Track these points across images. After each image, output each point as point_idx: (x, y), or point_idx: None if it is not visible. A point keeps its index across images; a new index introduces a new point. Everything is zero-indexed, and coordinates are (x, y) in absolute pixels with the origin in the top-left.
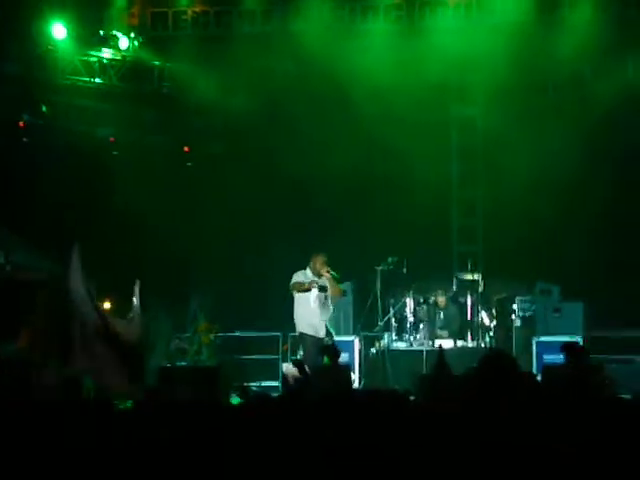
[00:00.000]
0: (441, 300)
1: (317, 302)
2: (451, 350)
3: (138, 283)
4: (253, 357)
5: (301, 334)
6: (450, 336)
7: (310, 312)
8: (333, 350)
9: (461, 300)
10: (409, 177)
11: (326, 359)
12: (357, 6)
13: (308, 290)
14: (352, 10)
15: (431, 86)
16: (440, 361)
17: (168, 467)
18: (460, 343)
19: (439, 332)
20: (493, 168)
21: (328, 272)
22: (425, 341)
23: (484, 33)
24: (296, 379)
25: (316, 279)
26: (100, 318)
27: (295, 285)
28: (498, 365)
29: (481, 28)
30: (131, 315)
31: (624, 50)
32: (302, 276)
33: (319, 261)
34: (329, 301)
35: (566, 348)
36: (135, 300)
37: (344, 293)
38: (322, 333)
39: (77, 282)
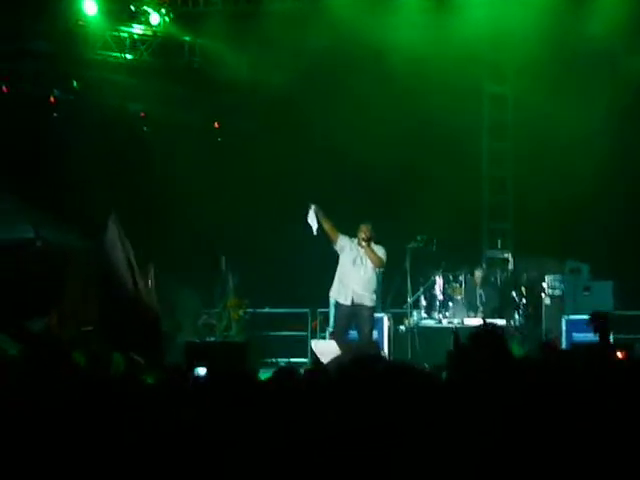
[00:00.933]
0: (478, 276)
1: (348, 265)
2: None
3: (152, 266)
4: (282, 333)
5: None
6: (484, 314)
7: (340, 274)
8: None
9: (491, 278)
10: (440, 152)
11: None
12: None
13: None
14: None
15: (462, 61)
16: (455, 342)
17: (195, 444)
18: (490, 321)
19: (475, 311)
20: (524, 145)
21: (365, 241)
22: (456, 319)
23: (515, 8)
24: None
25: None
26: (135, 290)
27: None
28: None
29: (512, 3)
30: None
31: None
32: (346, 240)
33: (359, 230)
34: (367, 268)
35: (593, 316)
36: (150, 282)
37: (382, 263)
38: (351, 301)
39: (116, 251)
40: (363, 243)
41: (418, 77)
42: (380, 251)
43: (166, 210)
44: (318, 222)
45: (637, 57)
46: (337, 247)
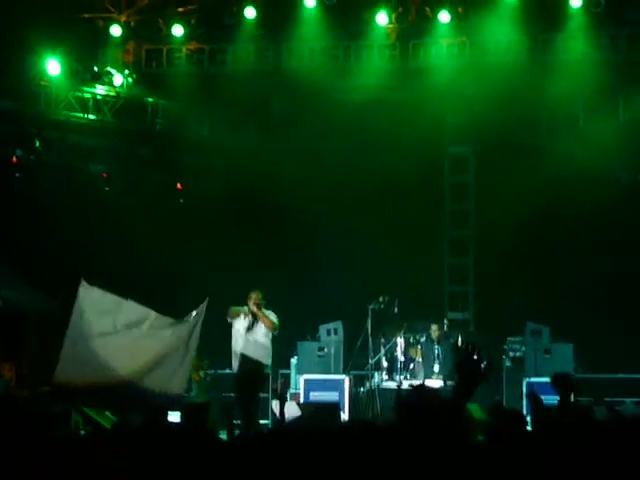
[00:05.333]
0: (434, 329)
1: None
2: (441, 389)
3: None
4: None
5: None
6: (445, 376)
7: (234, 343)
8: None
9: (450, 339)
10: (402, 213)
11: None
12: (351, 45)
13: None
14: (346, 49)
15: (425, 124)
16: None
17: None
18: (451, 383)
19: (435, 373)
20: (485, 208)
21: (256, 307)
22: (416, 380)
23: (477, 73)
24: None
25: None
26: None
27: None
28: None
29: (474, 68)
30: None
31: (616, 91)
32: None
33: (249, 298)
34: (258, 334)
35: (557, 379)
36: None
37: (275, 326)
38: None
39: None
40: (254, 309)
41: (378, 140)
42: (271, 315)
43: (126, 269)
44: None
45: (597, 119)
46: (233, 320)
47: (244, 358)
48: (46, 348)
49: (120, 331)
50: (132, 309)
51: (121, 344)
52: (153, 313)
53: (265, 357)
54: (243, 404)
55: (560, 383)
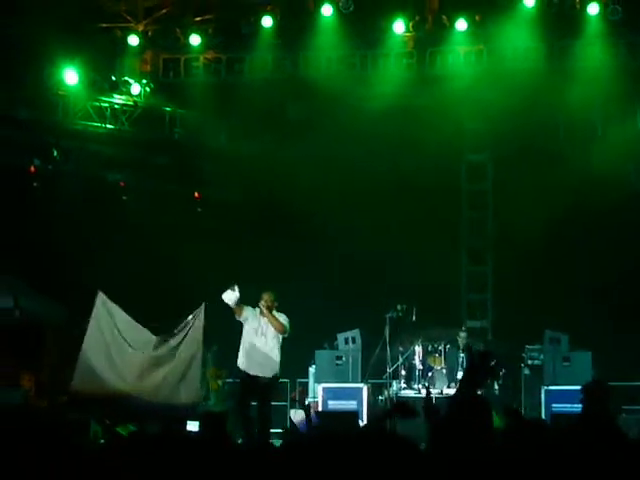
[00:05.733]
0: (462, 337)
1: (252, 334)
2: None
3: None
4: None
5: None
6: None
7: (244, 344)
8: None
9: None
10: (419, 220)
11: None
12: (368, 53)
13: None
14: (363, 57)
15: (442, 132)
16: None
17: None
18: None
19: (457, 380)
20: (503, 215)
21: (266, 309)
22: (435, 389)
23: (494, 80)
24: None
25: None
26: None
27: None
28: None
29: (491, 75)
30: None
31: (633, 98)
32: (250, 311)
33: (261, 298)
34: (268, 338)
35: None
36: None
37: (285, 329)
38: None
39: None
40: (265, 310)
41: (396, 148)
42: (282, 317)
43: (144, 279)
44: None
45: (615, 125)
46: (241, 318)
47: (252, 361)
48: (63, 358)
49: (131, 347)
50: (140, 330)
51: (132, 360)
52: (155, 337)
53: (274, 361)
54: (247, 411)
55: (593, 392)
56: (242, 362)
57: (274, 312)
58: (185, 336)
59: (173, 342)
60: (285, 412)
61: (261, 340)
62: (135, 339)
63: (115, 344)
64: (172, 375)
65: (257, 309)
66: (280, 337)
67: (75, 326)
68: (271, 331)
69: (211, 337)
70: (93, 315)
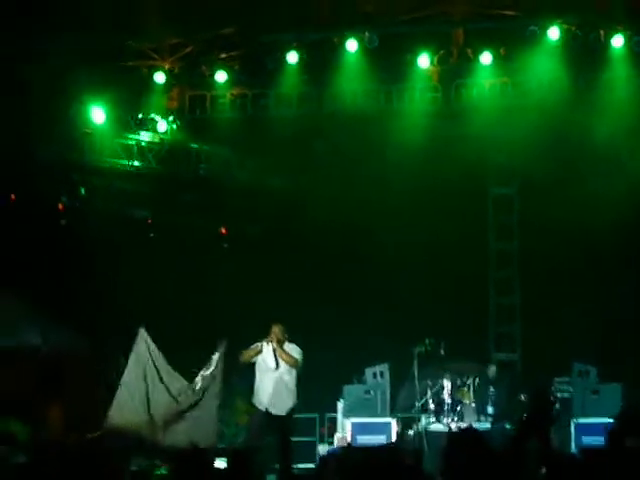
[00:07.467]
0: (492, 370)
1: (264, 370)
2: (490, 430)
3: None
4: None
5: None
6: (496, 416)
7: (257, 380)
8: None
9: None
10: (447, 254)
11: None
12: (393, 88)
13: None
14: (388, 92)
15: (468, 165)
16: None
17: None
18: (501, 423)
19: (488, 414)
20: (530, 247)
21: (276, 343)
22: (465, 423)
23: (520, 113)
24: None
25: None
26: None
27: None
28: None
29: (517, 108)
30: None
31: None
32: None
33: (270, 332)
34: (282, 372)
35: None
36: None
37: (297, 363)
38: (265, 407)
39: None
40: (275, 345)
41: (422, 182)
42: (294, 350)
43: (172, 315)
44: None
45: None
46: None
47: (267, 396)
48: (87, 391)
49: (170, 394)
50: (177, 378)
51: (169, 405)
52: (187, 384)
53: (290, 396)
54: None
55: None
56: (260, 397)
57: (286, 344)
58: (209, 380)
59: (198, 387)
60: (314, 447)
61: (275, 374)
62: (175, 386)
63: (153, 386)
64: (195, 419)
65: (269, 344)
66: (294, 371)
67: (99, 360)
68: (284, 365)
69: (240, 372)
70: (134, 350)
